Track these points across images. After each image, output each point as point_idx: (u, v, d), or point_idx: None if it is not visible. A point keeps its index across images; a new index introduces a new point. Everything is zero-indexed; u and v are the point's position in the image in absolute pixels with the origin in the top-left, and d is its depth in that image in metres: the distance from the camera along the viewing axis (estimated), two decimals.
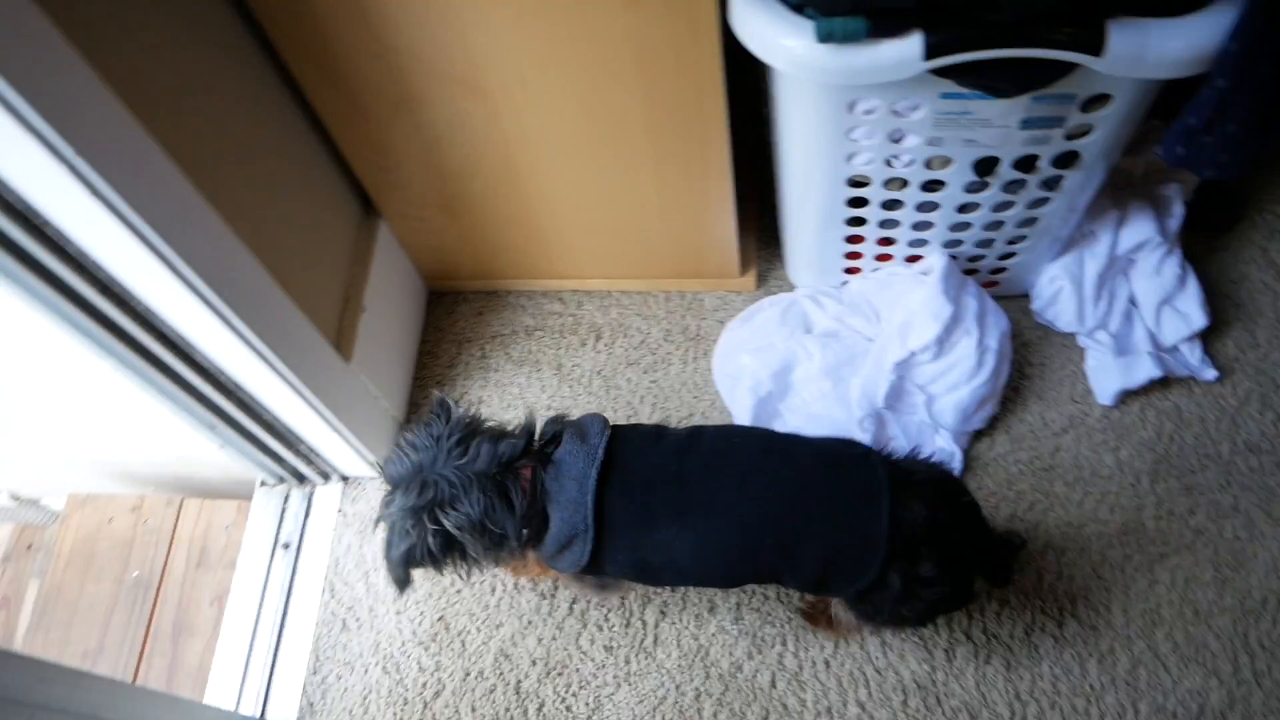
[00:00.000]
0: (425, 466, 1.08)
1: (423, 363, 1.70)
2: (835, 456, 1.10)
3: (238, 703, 1.47)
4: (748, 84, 1.32)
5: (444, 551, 1.09)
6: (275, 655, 1.50)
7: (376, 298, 1.54)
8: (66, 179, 0.94)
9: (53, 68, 0.89)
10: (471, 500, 1.07)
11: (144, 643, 1.70)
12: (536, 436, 1.15)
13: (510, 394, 1.64)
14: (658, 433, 1.16)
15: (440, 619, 1.47)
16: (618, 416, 1.57)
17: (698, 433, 1.15)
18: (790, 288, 1.65)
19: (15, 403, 1.58)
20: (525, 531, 1.10)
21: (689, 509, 1.09)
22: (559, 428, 1.15)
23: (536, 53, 1.22)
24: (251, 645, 1.51)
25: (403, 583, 1.11)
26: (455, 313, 1.74)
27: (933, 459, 1.14)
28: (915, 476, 1.08)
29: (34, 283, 1.08)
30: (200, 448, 1.53)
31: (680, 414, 1.57)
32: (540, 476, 1.11)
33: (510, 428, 1.15)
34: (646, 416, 1.57)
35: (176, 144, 1.06)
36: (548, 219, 1.53)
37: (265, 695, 1.47)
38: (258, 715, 1.46)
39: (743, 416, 1.48)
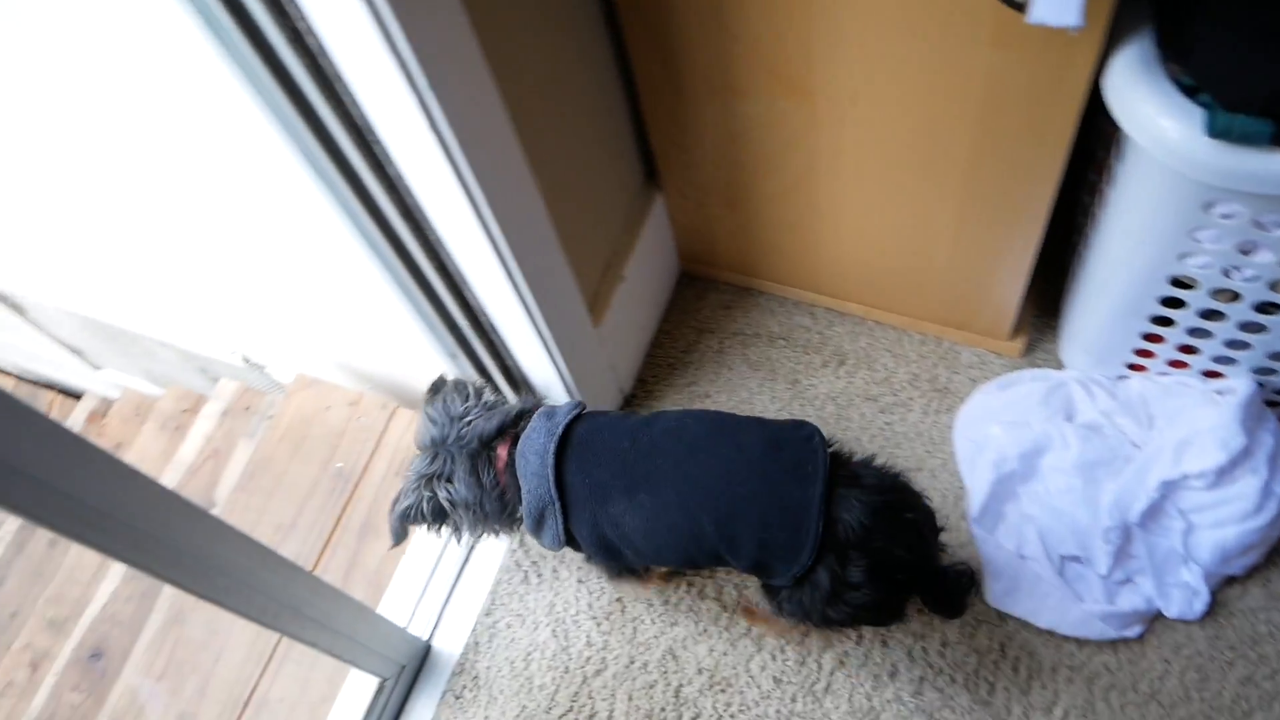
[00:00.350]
0: (439, 440, 1.20)
1: (659, 341, 1.68)
2: (780, 439, 1.10)
3: (409, 620, 1.51)
4: (1078, 142, 1.22)
5: (435, 517, 1.21)
6: (454, 586, 1.53)
7: (636, 269, 1.52)
8: (410, 103, 0.94)
9: None
10: (459, 476, 1.18)
11: (331, 533, 1.76)
12: (515, 416, 1.22)
13: (738, 396, 1.60)
14: (622, 417, 1.21)
15: (619, 600, 1.46)
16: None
17: (657, 415, 1.19)
18: (1058, 365, 1.54)
19: (271, 272, 1.65)
20: (502, 507, 1.19)
21: (637, 484, 1.11)
22: (532, 406, 1.23)
23: (881, 69, 1.16)
24: (434, 570, 1.55)
25: (399, 535, 1.23)
26: (703, 300, 1.72)
27: (887, 468, 1.12)
28: (863, 480, 1.07)
29: (344, 189, 1.11)
30: (430, 366, 1.57)
31: (908, 464, 1.50)
32: (513, 453, 1.18)
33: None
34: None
35: (503, 76, 1.05)
36: (828, 233, 1.48)
37: (436, 622, 1.50)
38: (425, 638, 1.49)
39: (978, 487, 1.40)
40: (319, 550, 1.75)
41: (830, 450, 1.08)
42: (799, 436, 1.09)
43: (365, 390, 1.92)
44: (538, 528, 1.18)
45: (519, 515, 1.19)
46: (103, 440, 2.65)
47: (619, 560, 1.21)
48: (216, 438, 2.13)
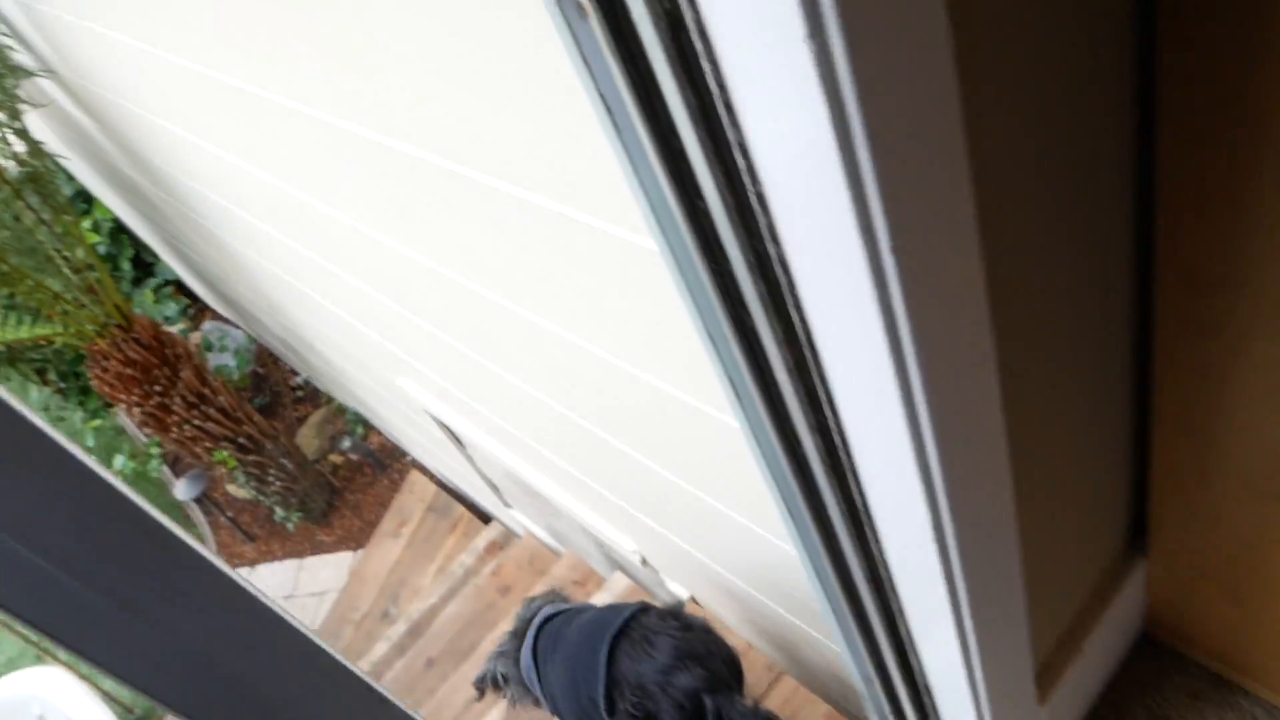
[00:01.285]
0: (516, 627, 1.59)
1: (1101, 713, 1.45)
2: (614, 605, 1.42)
3: None
4: None
5: (495, 685, 1.56)
6: None
7: (1098, 642, 1.32)
8: (908, 454, 0.83)
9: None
10: (509, 653, 1.55)
11: None
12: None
13: None
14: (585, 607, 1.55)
15: None
16: None
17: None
18: None
19: (692, 509, 1.62)
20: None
21: (557, 648, 1.43)
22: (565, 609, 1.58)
23: None
24: None
25: (479, 692, 1.60)
26: (1165, 679, 1.45)
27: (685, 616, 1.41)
28: (651, 628, 1.32)
29: (797, 494, 1.03)
30: (827, 652, 1.46)
31: None
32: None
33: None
34: None
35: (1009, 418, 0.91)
36: None
37: None
38: None
39: None
40: None
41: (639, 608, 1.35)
42: (628, 608, 1.37)
43: (756, 643, 1.85)
44: (525, 692, 1.53)
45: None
46: (495, 580, 2.81)
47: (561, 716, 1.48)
48: None
